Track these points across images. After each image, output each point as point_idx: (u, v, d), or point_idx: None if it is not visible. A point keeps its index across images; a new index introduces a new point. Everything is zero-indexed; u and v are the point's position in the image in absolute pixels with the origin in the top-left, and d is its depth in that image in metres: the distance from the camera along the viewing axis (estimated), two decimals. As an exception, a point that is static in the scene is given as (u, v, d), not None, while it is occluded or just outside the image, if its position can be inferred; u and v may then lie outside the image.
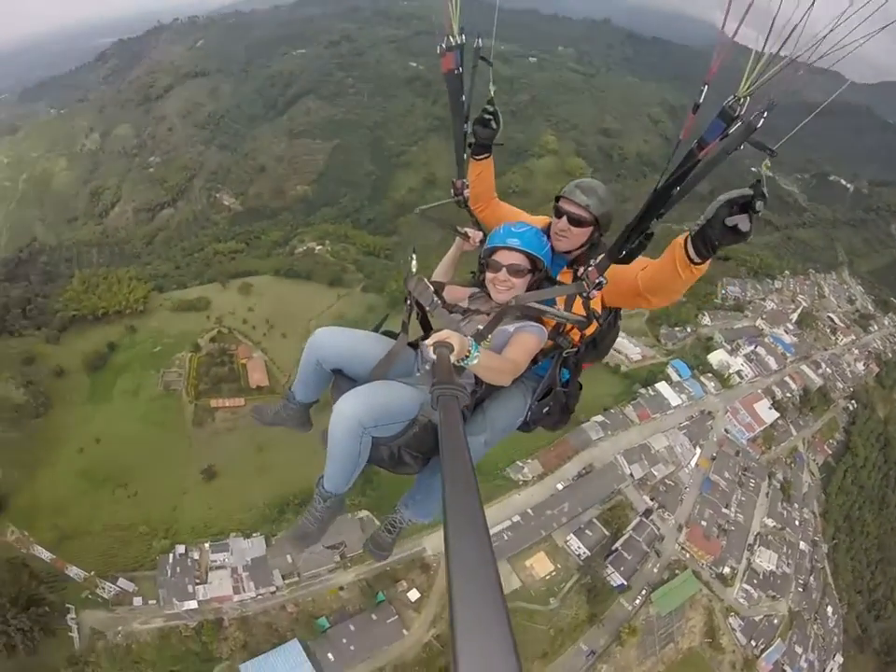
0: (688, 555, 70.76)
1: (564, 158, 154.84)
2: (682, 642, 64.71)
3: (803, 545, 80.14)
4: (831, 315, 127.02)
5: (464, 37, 4.11)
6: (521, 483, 70.21)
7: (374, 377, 4.16)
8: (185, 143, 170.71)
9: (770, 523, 78.85)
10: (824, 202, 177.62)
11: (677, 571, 69.06)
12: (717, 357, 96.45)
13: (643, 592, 66.25)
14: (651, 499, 73.89)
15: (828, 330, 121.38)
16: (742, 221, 2.79)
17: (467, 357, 3.19)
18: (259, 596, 57.07)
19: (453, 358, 3.02)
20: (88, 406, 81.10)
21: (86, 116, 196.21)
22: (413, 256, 4.40)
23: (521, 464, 70.99)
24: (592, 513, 70.05)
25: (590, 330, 4.28)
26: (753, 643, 67.13)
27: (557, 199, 4.49)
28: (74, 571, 57.47)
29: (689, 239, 3.10)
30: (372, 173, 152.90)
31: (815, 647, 71.93)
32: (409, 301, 4.34)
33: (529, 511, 67.98)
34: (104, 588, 56.60)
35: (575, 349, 4.39)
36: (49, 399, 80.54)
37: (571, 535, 67.15)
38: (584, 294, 3.75)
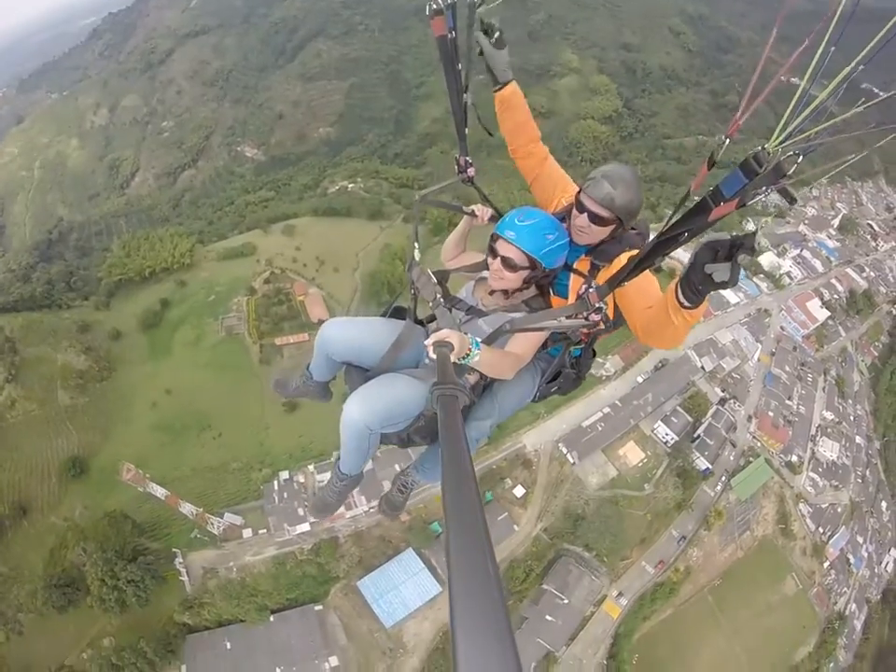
0: (759, 444, 72.24)
1: (587, 76, 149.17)
2: (757, 530, 66.94)
3: (858, 439, 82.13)
4: (870, 222, 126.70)
5: None
6: (604, 377, 70.57)
7: (383, 367, 4.25)
8: (196, 103, 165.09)
9: (829, 416, 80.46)
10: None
11: (751, 458, 70.36)
12: (767, 259, 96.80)
13: (723, 478, 67.65)
14: (722, 391, 75.00)
15: (868, 237, 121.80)
16: (719, 271, 2.51)
17: (467, 355, 3.25)
18: (371, 510, 55.32)
19: (453, 357, 3.08)
20: (149, 363, 79.40)
21: (90, 93, 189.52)
22: (417, 244, 4.38)
23: (602, 360, 71.25)
24: (672, 403, 71.04)
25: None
26: (821, 529, 69.87)
27: (580, 190, 4.02)
28: (187, 508, 55.49)
29: (679, 283, 2.84)
30: (393, 107, 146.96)
31: (872, 539, 75.23)
32: (413, 290, 4.31)
33: (617, 402, 68.53)
34: (213, 524, 54.83)
35: (583, 343, 4.29)
36: (110, 363, 79.33)
37: (659, 422, 68.11)
38: (583, 317, 3.58)
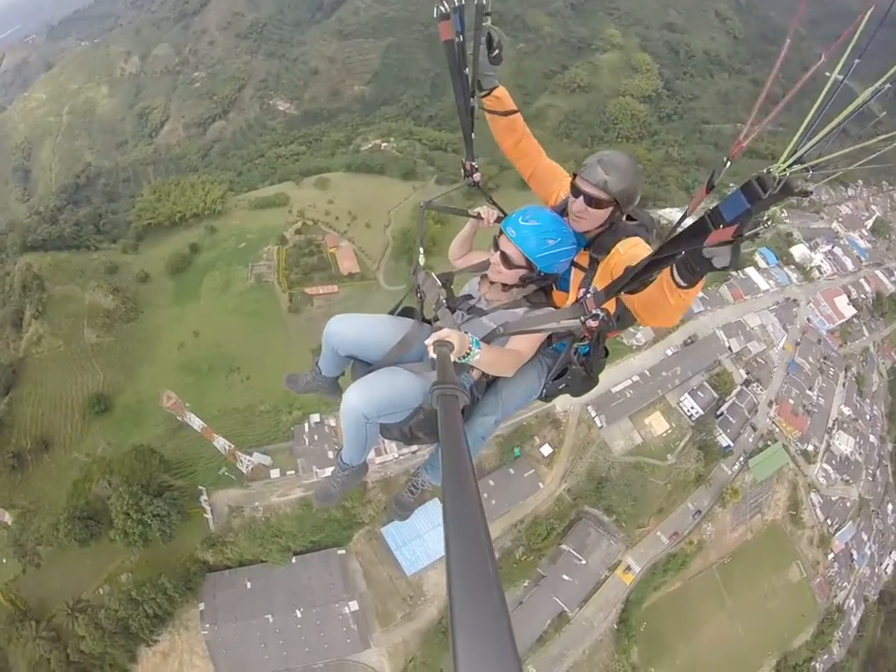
0: (777, 429, 72.31)
1: (629, 53, 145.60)
2: (768, 514, 67.42)
3: (872, 438, 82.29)
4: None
5: None
6: (634, 347, 70.84)
7: (388, 362, 4.25)
8: (229, 55, 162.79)
9: (846, 411, 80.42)
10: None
11: (769, 443, 70.35)
12: (799, 251, 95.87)
13: (741, 459, 67.81)
14: (747, 373, 75.06)
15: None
16: (720, 257, 2.34)
17: (468, 354, 3.29)
18: (401, 457, 55.22)
19: (453, 356, 3.11)
20: (176, 307, 79.66)
21: (121, 41, 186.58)
22: (421, 249, 4.68)
23: (633, 330, 71.14)
24: (699, 379, 71.20)
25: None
26: (829, 521, 70.26)
27: (575, 174, 4.02)
28: (220, 442, 55.29)
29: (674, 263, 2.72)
30: (430, 70, 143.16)
31: (876, 539, 75.81)
32: (418, 293, 4.42)
33: (646, 371, 68.78)
34: (242, 462, 54.72)
35: (587, 339, 4.11)
36: (137, 305, 79.44)
37: (686, 395, 68.50)
38: (581, 321, 3.53)
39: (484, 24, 3.75)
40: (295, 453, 56.10)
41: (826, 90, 1.80)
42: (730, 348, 74.99)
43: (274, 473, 54.96)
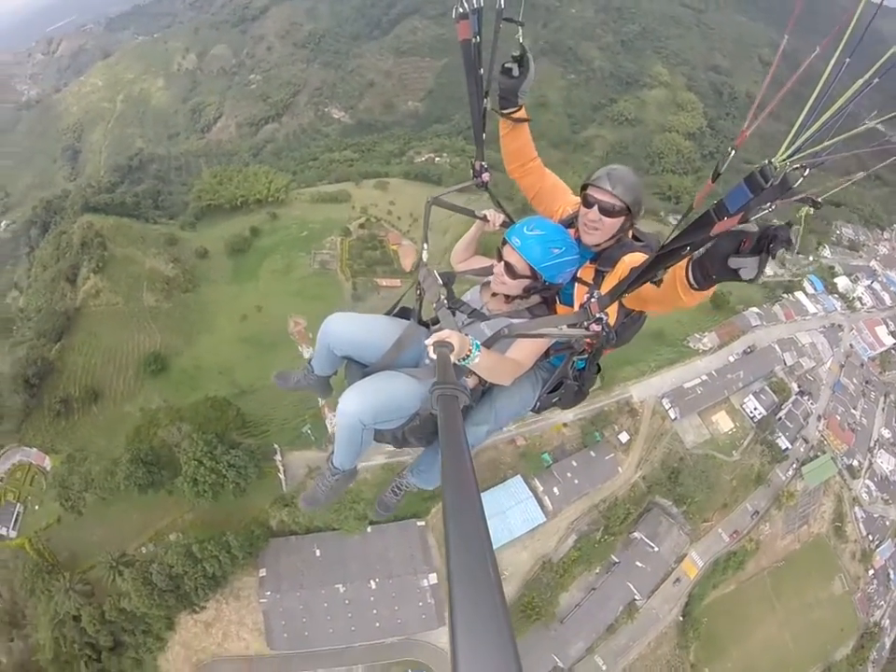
0: (826, 442, 75.01)
1: (675, 91, 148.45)
2: (813, 526, 69.01)
3: None
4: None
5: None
6: (701, 351, 74.40)
7: (383, 365, 4.20)
8: (285, 61, 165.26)
9: (886, 434, 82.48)
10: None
11: (818, 454, 72.54)
12: (842, 282, 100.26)
13: (794, 465, 70.21)
14: (799, 387, 77.93)
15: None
16: (748, 267, 2.31)
17: (467, 356, 3.19)
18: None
19: (452, 358, 3.03)
20: (234, 285, 79.97)
21: (179, 38, 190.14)
22: (426, 245, 4.51)
23: (699, 335, 76.26)
24: (759, 384, 74.53)
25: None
26: (870, 537, 71.93)
27: (584, 187, 4.02)
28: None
29: (689, 264, 2.68)
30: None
31: None
32: (418, 291, 4.34)
33: (714, 372, 72.47)
34: (329, 419, 54.07)
35: (586, 353, 4.09)
36: (195, 277, 79.61)
37: (750, 395, 72.04)
38: (584, 326, 3.48)
39: (515, 36, 3.79)
40: (378, 418, 55.54)
41: (821, 84, 1.90)
42: (784, 361, 78.44)
43: (357, 437, 54.03)
